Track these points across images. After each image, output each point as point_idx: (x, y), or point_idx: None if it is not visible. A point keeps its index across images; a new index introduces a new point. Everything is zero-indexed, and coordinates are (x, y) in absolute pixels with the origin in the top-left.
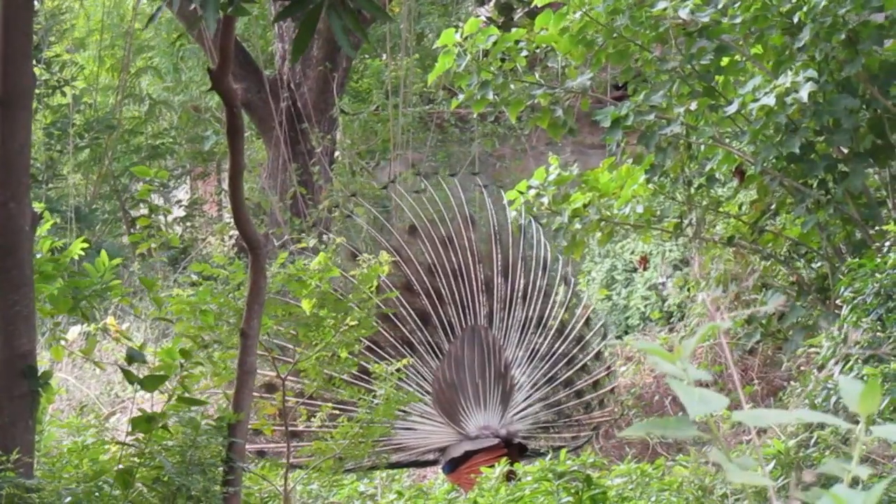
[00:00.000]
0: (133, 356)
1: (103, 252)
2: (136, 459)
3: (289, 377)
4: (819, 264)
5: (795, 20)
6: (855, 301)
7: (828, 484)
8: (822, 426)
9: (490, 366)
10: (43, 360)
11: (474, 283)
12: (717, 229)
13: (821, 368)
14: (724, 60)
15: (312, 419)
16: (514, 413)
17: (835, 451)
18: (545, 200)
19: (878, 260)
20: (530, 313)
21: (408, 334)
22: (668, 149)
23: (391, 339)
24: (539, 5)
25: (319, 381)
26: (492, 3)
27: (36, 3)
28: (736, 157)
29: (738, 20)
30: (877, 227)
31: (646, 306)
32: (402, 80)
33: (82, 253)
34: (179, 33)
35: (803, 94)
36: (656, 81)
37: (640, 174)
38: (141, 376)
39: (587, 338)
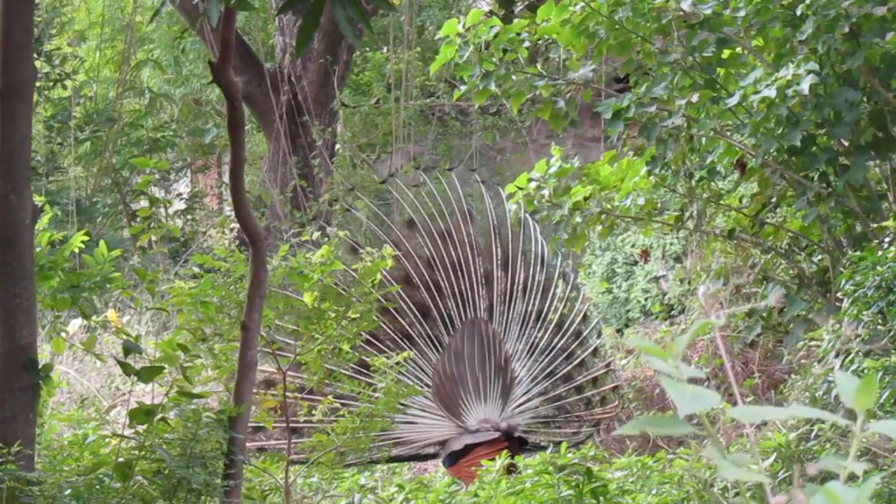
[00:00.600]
0: (129, 348)
1: (102, 243)
2: (135, 452)
3: (288, 372)
4: (820, 257)
5: (798, 13)
6: (856, 294)
7: (827, 479)
8: (821, 419)
9: (490, 359)
10: (43, 353)
11: (474, 276)
12: (717, 222)
13: (821, 361)
14: (726, 53)
15: (313, 413)
16: (514, 407)
17: (835, 444)
18: (546, 193)
19: (879, 253)
20: (530, 307)
21: (407, 327)
22: (669, 141)
23: (390, 333)
24: None
25: (321, 374)
26: None
27: None
28: (737, 149)
29: (741, 13)
30: (878, 221)
31: (646, 299)
32: (403, 73)
33: (82, 246)
34: (181, 27)
35: (804, 87)
36: (658, 73)
37: (640, 167)
38: (138, 368)
39: (585, 333)
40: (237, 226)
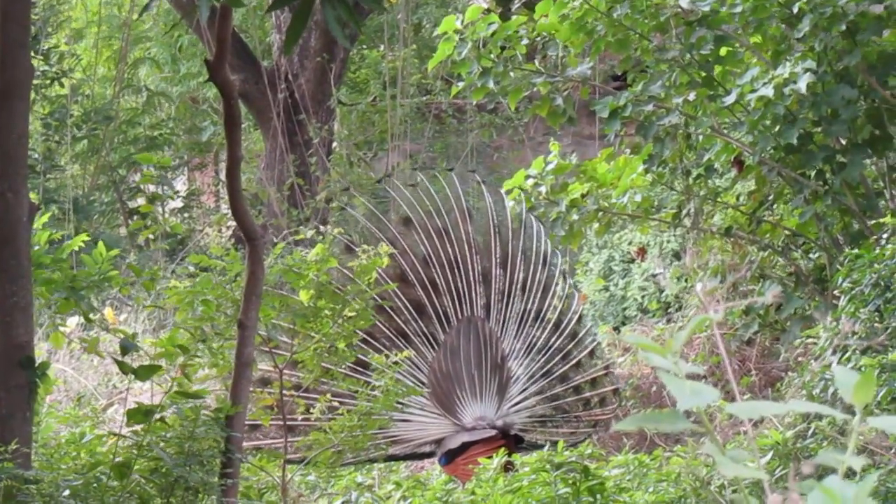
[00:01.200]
0: (126, 346)
1: (101, 243)
2: (133, 451)
3: (284, 370)
4: (817, 255)
5: (795, 10)
6: (853, 292)
7: (825, 475)
8: (819, 416)
9: (486, 357)
10: (40, 351)
11: (471, 274)
12: (714, 219)
13: (818, 359)
14: (723, 50)
15: (311, 411)
16: (510, 405)
17: (833, 441)
18: (543, 190)
19: (876, 250)
20: (529, 306)
21: (402, 325)
22: (667, 139)
23: (386, 330)
24: None
25: (317, 372)
26: None
27: None
28: (734, 147)
29: (738, 9)
30: (874, 218)
31: (643, 297)
32: (400, 70)
33: (83, 245)
34: (174, 22)
35: (802, 85)
36: (655, 70)
37: (638, 164)
38: (135, 366)
39: (581, 334)
40: (234, 224)
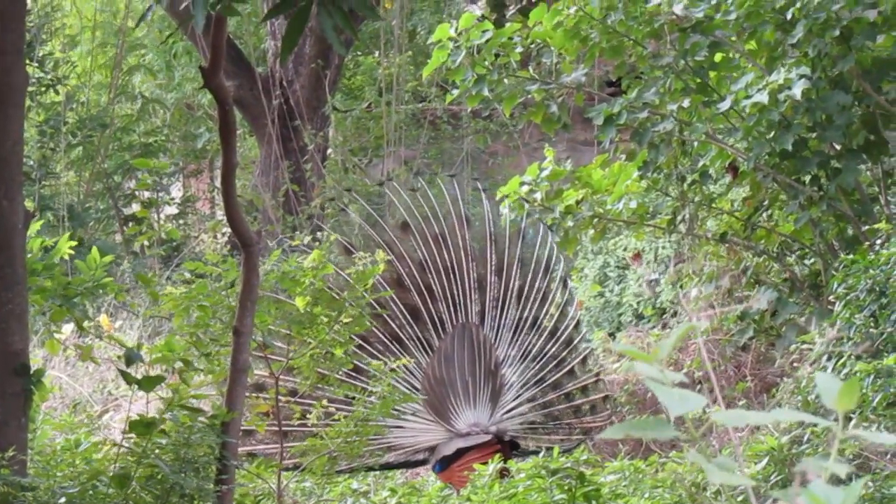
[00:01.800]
0: (131, 357)
1: (95, 249)
2: (129, 459)
3: (280, 377)
4: (812, 261)
5: (789, 16)
6: (848, 297)
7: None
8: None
9: (480, 363)
10: (36, 358)
11: (467, 280)
12: (709, 226)
13: (813, 364)
14: (718, 56)
15: (307, 417)
16: (503, 412)
17: (828, 447)
18: (538, 196)
19: (871, 256)
20: (525, 313)
21: (397, 330)
22: (661, 145)
23: (380, 336)
24: (533, 0)
25: (313, 379)
26: (484, 0)
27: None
28: (729, 153)
29: (732, 16)
30: (869, 224)
31: (638, 303)
32: (395, 77)
33: (72, 251)
34: (171, 31)
35: (796, 92)
36: (650, 77)
37: (632, 170)
38: (137, 376)
39: (576, 341)
40: (229, 230)
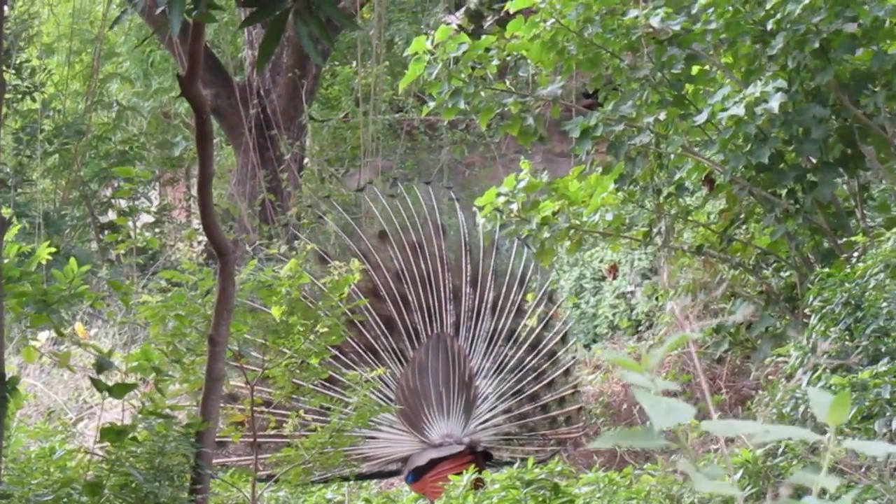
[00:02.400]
0: (103, 364)
1: (73, 260)
2: (104, 466)
3: (252, 387)
4: (787, 273)
5: (768, 28)
6: (823, 311)
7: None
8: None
9: (454, 374)
10: (11, 366)
11: (442, 291)
12: (686, 238)
13: (789, 378)
14: (695, 69)
15: (283, 426)
16: (477, 423)
17: (802, 460)
18: (514, 208)
19: (847, 269)
20: (500, 325)
21: (372, 340)
22: (638, 158)
23: (355, 346)
24: (511, 11)
25: (288, 388)
26: (462, 11)
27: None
28: (705, 166)
29: (712, 26)
30: (845, 237)
31: (614, 315)
32: (372, 87)
33: (50, 258)
34: (146, 35)
35: (773, 105)
36: (627, 89)
37: (609, 182)
38: (109, 383)
39: (559, 353)
40: (205, 239)
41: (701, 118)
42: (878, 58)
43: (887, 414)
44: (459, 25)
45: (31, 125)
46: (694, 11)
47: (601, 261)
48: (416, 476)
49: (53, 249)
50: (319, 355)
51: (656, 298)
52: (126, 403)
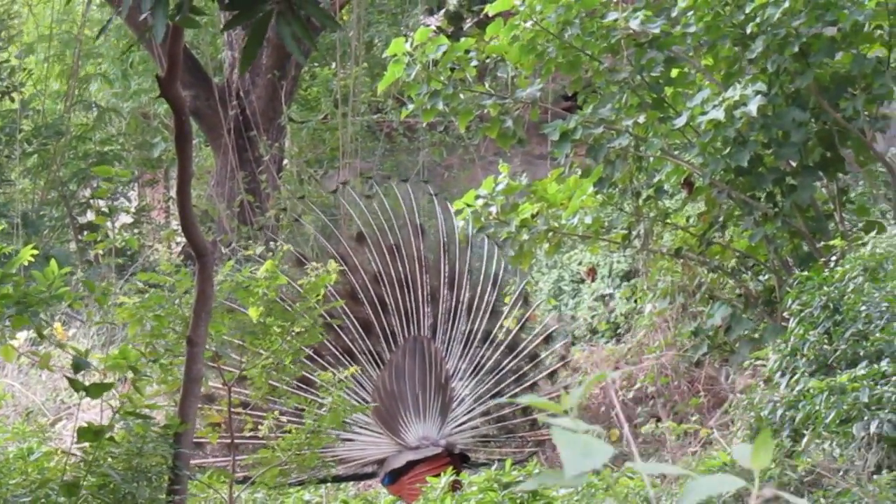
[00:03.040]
0: (79, 364)
1: (53, 262)
2: (81, 467)
3: (230, 388)
4: (766, 277)
5: (748, 31)
6: (802, 314)
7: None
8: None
9: (431, 376)
10: None
11: (420, 292)
12: (664, 241)
13: (768, 381)
14: (674, 72)
15: (257, 429)
16: (454, 425)
17: (780, 464)
18: (493, 210)
19: (826, 273)
20: (476, 326)
21: (349, 343)
22: (617, 161)
23: (332, 349)
24: (490, 14)
25: (265, 389)
26: (441, 13)
27: None
28: (684, 169)
29: (692, 29)
30: (824, 241)
31: (593, 317)
32: (351, 88)
33: (32, 259)
34: (129, 42)
35: (752, 108)
36: (606, 92)
37: (588, 185)
38: (86, 383)
39: (542, 356)
40: (184, 240)
41: (680, 121)
42: (857, 61)
43: (865, 417)
44: (439, 27)
45: (10, 125)
46: (674, 14)
47: (580, 263)
48: (393, 478)
49: (36, 252)
50: (295, 355)
51: (635, 301)
52: (104, 404)
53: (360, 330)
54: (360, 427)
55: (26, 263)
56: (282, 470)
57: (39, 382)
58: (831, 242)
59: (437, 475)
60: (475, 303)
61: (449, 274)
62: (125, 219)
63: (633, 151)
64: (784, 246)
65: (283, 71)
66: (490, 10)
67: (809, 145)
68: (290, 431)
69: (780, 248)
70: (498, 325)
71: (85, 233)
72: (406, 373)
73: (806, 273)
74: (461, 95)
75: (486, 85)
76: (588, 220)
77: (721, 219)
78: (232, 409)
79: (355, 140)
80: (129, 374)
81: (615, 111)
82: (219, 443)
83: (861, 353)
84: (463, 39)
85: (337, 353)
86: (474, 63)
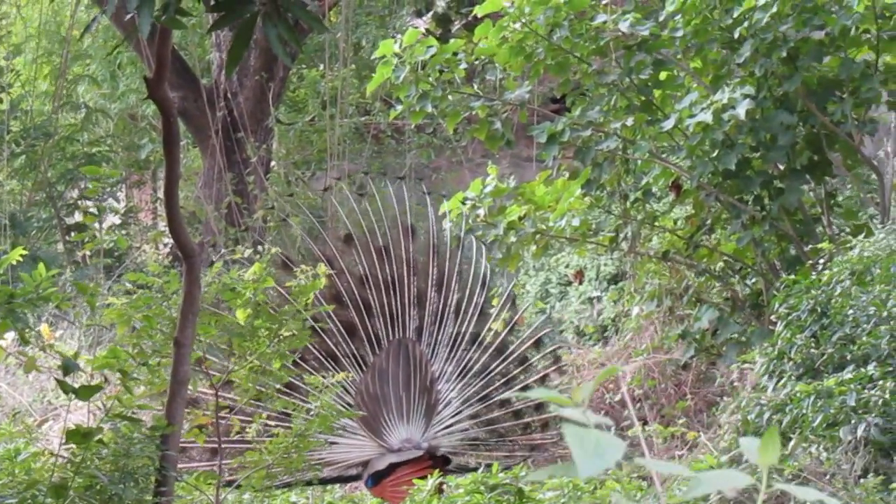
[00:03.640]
0: (68, 366)
1: (41, 265)
2: (69, 468)
3: (217, 391)
4: (754, 280)
5: (736, 35)
6: (789, 317)
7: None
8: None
9: (415, 379)
10: None
11: (406, 295)
12: (652, 244)
13: (756, 386)
14: (663, 75)
15: (244, 432)
16: (439, 428)
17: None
18: (481, 212)
19: (813, 276)
20: (463, 328)
21: (332, 347)
22: (605, 163)
23: (315, 353)
24: (479, 15)
25: (252, 392)
26: (429, 15)
27: None
28: (672, 171)
29: (679, 33)
30: (811, 244)
31: (580, 320)
32: (339, 90)
33: (20, 259)
34: (117, 42)
35: (740, 112)
36: (594, 94)
37: (576, 187)
38: (75, 385)
39: (533, 360)
40: (171, 241)
41: (668, 124)
42: (845, 65)
43: (852, 421)
44: (427, 30)
45: None
46: (662, 18)
47: (567, 266)
48: (376, 480)
49: (26, 252)
50: (283, 359)
51: (622, 304)
52: (92, 405)
53: (344, 334)
54: (344, 430)
55: (14, 264)
56: (268, 473)
57: (26, 383)
58: (819, 246)
59: (420, 478)
60: (463, 305)
61: (437, 276)
62: (113, 220)
63: (621, 154)
64: (771, 249)
65: (271, 72)
66: (479, 11)
67: (797, 149)
68: (276, 435)
69: (767, 252)
70: (486, 328)
71: (73, 234)
72: (390, 375)
73: (793, 276)
74: (450, 97)
75: (475, 87)
76: (575, 222)
77: (709, 222)
78: (218, 413)
79: (343, 142)
80: (118, 376)
81: (603, 113)
82: (204, 447)
83: (848, 357)
84: (452, 41)
85: (320, 357)
86: (463, 65)
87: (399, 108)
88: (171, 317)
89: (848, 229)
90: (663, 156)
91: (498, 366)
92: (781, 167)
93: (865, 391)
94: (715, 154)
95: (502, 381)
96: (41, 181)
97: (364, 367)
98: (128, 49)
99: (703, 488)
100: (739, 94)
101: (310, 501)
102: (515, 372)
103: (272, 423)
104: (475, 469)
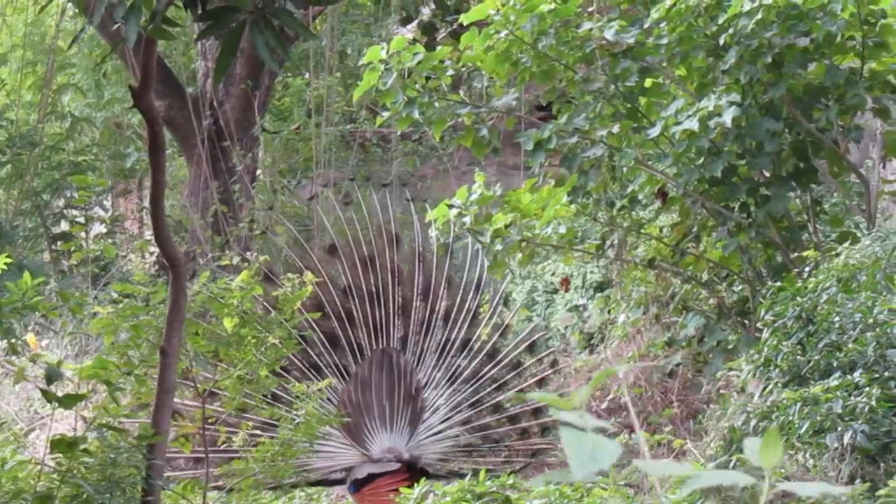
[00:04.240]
0: (52, 375)
1: (27, 274)
2: (55, 478)
3: (204, 400)
4: (740, 287)
5: (721, 42)
6: (775, 325)
7: None
8: (740, 449)
9: (399, 388)
10: None
11: (391, 305)
12: (638, 251)
13: (741, 391)
14: (648, 82)
15: (230, 441)
16: (426, 436)
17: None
18: (467, 220)
19: (799, 283)
20: (453, 335)
21: (315, 357)
22: (591, 171)
23: (298, 364)
24: (465, 23)
25: (238, 401)
26: (415, 23)
27: None
28: (658, 179)
29: (664, 41)
30: (798, 251)
31: (566, 328)
32: (324, 98)
33: (5, 268)
34: (103, 52)
35: (726, 119)
36: (580, 102)
37: (562, 195)
38: (59, 394)
39: (526, 364)
40: (157, 250)
41: (654, 131)
42: (830, 72)
43: (839, 428)
44: (414, 37)
45: None
46: (647, 25)
47: (553, 273)
48: (356, 488)
49: (10, 261)
50: (270, 367)
51: (608, 311)
52: (77, 414)
53: (327, 344)
54: (328, 438)
55: None
56: (256, 481)
57: (12, 392)
58: (805, 253)
59: (396, 489)
60: (453, 312)
61: (423, 284)
62: (99, 229)
63: (607, 161)
64: (757, 256)
65: (257, 81)
66: (465, 19)
67: (783, 156)
68: (262, 443)
69: (753, 259)
70: (476, 335)
71: (59, 243)
72: (373, 385)
73: (779, 284)
74: (436, 104)
75: (461, 94)
76: (562, 230)
77: (695, 229)
78: (202, 421)
79: (329, 150)
80: (104, 385)
81: (589, 121)
82: (189, 457)
83: (834, 364)
84: (438, 48)
85: (303, 367)
86: (449, 72)
87: (386, 114)
88: (158, 326)
89: (834, 236)
90: (649, 163)
91: (490, 371)
92: (767, 174)
93: (852, 398)
94: (701, 161)
95: (494, 386)
96: (27, 190)
97: (347, 378)
98: (113, 58)
99: (702, 482)
100: (725, 102)
101: None
102: (508, 377)
103: (257, 432)
104: (463, 476)
